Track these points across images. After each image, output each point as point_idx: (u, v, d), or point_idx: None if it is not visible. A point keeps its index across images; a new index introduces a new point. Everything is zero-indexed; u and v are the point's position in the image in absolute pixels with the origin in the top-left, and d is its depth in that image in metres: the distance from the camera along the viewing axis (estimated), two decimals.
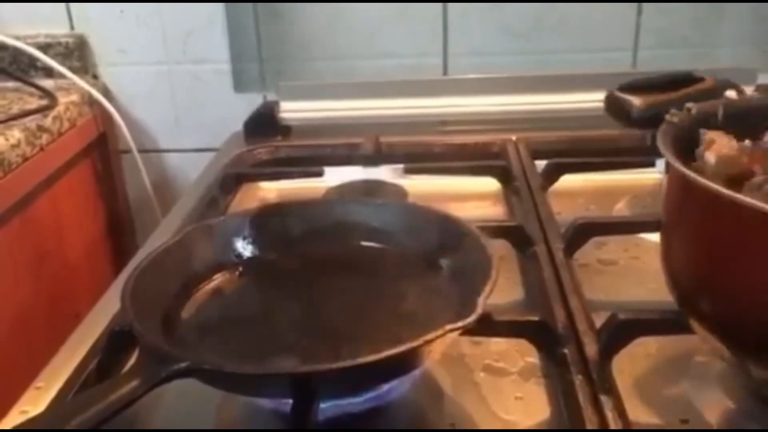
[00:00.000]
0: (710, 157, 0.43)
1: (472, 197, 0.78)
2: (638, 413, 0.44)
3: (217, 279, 0.53)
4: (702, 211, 0.41)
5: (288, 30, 0.99)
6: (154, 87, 1.03)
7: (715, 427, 0.44)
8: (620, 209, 0.73)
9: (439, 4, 0.96)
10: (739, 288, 0.39)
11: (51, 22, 1.00)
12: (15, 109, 0.88)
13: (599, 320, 0.50)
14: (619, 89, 0.53)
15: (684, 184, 0.41)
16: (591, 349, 0.47)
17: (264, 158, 0.89)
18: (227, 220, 0.57)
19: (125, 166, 1.06)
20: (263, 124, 0.94)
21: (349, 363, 0.38)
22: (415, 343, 0.39)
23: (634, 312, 0.48)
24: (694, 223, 0.42)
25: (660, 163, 0.78)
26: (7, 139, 0.79)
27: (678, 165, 0.41)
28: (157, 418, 0.47)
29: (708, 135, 0.44)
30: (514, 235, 0.62)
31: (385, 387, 0.44)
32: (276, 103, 0.95)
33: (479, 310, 0.41)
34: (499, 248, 0.56)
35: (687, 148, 0.45)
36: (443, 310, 0.47)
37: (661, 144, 0.43)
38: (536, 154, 0.81)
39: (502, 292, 0.53)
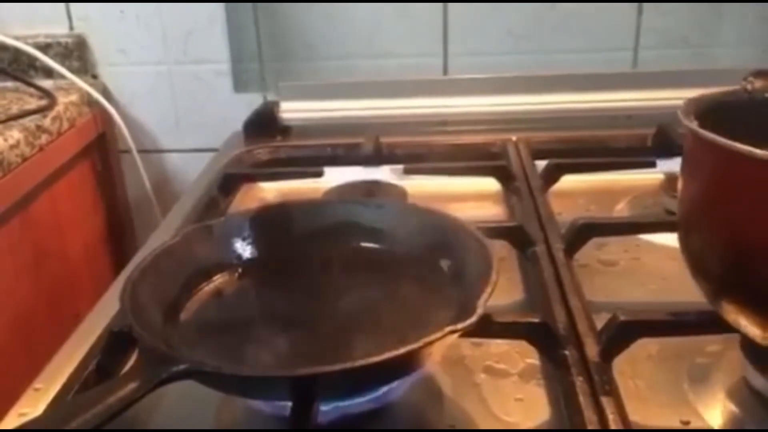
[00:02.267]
0: None
1: (472, 198, 0.78)
2: (639, 415, 0.44)
3: (217, 280, 0.53)
4: (742, 179, 0.39)
5: (288, 30, 0.99)
6: (154, 87, 1.03)
7: (716, 429, 0.44)
8: (621, 210, 0.73)
9: (439, 4, 0.96)
10: None
11: (51, 23, 1.00)
12: (14, 110, 0.88)
13: (600, 321, 0.50)
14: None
15: (711, 151, 0.40)
16: (592, 350, 0.47)
17: (264, 158, 0.89)
18: (227, 220, 0.57)
19: (125, 166, 1.06)
20: (263, 124, 0.94)
21: (348, 365, 0.38)
22: (415, 345, 0.39)
23: (635, 313, 0.48)
24: (732, 194, 0.40)
25: (661, 164, 0.78)
26: (6, 140, 0.79)
27: (710, 135, 0.40)
28: (156, 419, 0.47)
29: None
30: (514, 235, 0.62)
31: (386, 389, 0.44)
32: (276, 104, 0.95)
33: (479, 312, 0.41)
34: (500, 249, 0.56)
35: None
36: (443, 312, 0.47)
37: (683, 115, 0.43)
38: (536, 155, 0.81)
39: (503, 293, 0.53)
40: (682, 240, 0.46)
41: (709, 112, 0.45)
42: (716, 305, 0.44)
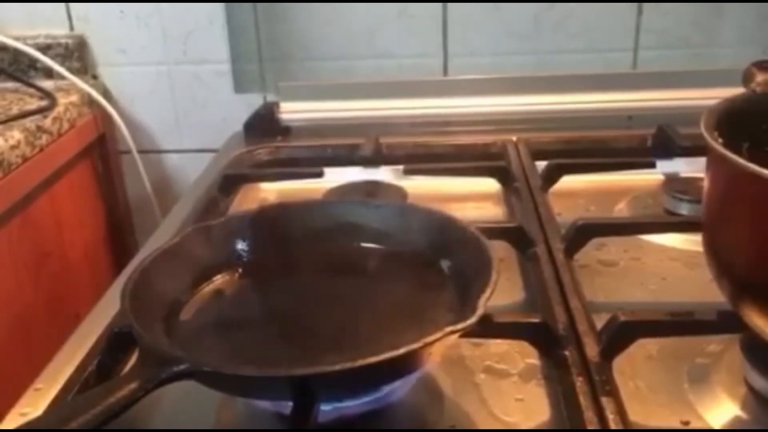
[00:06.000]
0: None
1: (472, 198, 0.78)
2: (639, 415, 0.44)
3: (217, 280, 0.53)
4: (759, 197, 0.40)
5: (288, 30, 0.99)
6: (154, 87, 1.03)
7: (716, 429, 0.44)
8: (621, 210, 0.73)
9: (439, 4, 0.96)
10: None
11: (51, 23, 1.00)
12: (15, 110, 0.88)
13: (600, 321, 0.50)
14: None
15: (735, 170, 0.41)
16: (592, 350, 0.47)
17: (264, 159, 0.89)
18: (227, 221, 0.57)
19: (125, 166, 1.06)
20: (263, 124, 0.94)
21: (349, 365, 0.38)
22: (415, 345, 0.39)
23: (635, 313, 0.48)
24: (753, 209, 0.41)
25: (660, 164, 0.78)
26: (6, 140, 0.79)
27: (729, 155, 0.40)
28: (157, 419, 0.47)
29: None
30: (514, 236, 0.62)
31: (386, 389, 0.44)
32: (276, 104, 0.95)
33: (480, 312, 0.41)
34: (500, 249, 0.56)
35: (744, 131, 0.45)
36: (443, 312, 0.47)
37: (704, 127, 0.43)
38: (536, 155, 0.81)
39: (503, 293, 0.53)
40: (706, 239, 0.46)
41: (728, 119, 0.45)
42: (736, 305, 0.44)
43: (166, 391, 0.40)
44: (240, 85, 1.01)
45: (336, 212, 0.57)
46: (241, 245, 0.55)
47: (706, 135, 0.43)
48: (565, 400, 0.46)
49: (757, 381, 0.45)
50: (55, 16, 1.00)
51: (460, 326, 0.40)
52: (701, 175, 0.46)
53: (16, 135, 0.81)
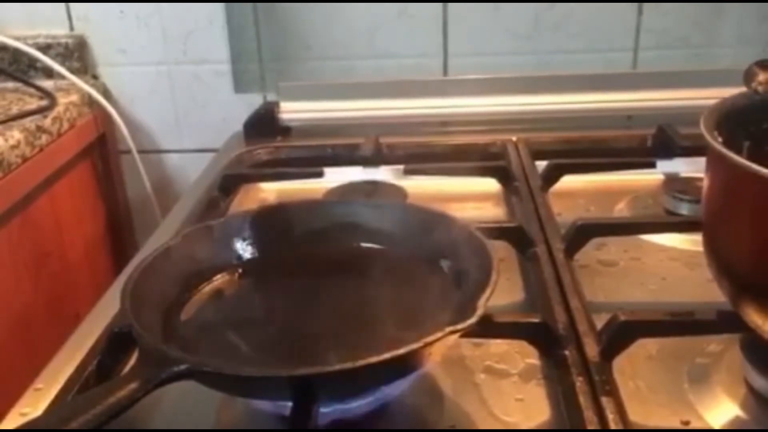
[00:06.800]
0: None
1: (472, 198, 0.78)
2: (639, 415, 0.44)
3: (217, 280, 0.53)
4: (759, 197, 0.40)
5: (288, 30, 0.99)
6: (154, 87, 1.03)
7: (716, 429, 0.44)
8: (621, 210, 0.73)
9: (439, 4, 0.96)
10: None
11: (51, 23, 1.00)
12: (14, 110, 0.88)
13: (600, 321, 0.50)
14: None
15: (735, 169, 0.41)
16: (592, 350, 0.47)
17: (264, 159, 0.89)
18: (227, 221, 0.57)
19: (125, 166, 1.06)
20: (263, 124, 0.94)
21: (349, 365, 0.38)
22: (415, 345, 0.39)
23: (635, 313, 0.48)
24: (754, 208, 0.41)
25: (660, 164, 0.78)
26: (6, 140, 0.79)
27: (730, 154, 0.40)
28: (157, 419, 0.47)
29: None
30: (514, 236, 0.62)
31: (386, 389, 0.44)
32: (276, 104, 0.95)
33: (480, 312, 0.41)
34: (500, 249, 0.56)
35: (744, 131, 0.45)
36: (444, 312, 0.47)
37: (704, 126, 0.43)
38: (536, 155, 0.81)
39: (503, 293, 0.53)
40: (706, 239, 0.46)
41: (728, 119, 0.45)
42: (736, 305, 0.44)
43: (166, 391, 0.40)
44: (240, 85, 1.01)
45: (336, 212, 0.57)
46: (241, 245, 0.55)
47: (705, 134, 0.43)
48: (565, 400, 0.46)
49: (757, 381, 0.45)
50: (55, 16, 1.00)
51: (460, 326, 0.40)
52: (701, 175, 0.46)
53: (16, 135, 0.81)
